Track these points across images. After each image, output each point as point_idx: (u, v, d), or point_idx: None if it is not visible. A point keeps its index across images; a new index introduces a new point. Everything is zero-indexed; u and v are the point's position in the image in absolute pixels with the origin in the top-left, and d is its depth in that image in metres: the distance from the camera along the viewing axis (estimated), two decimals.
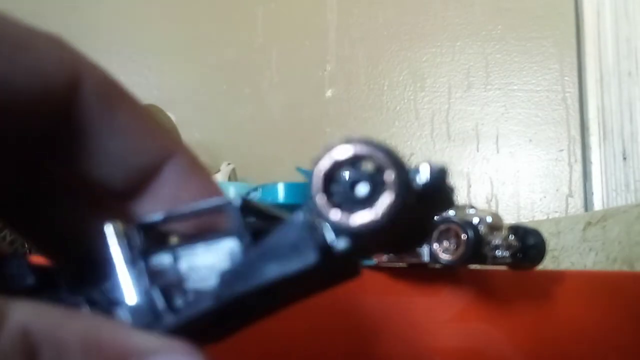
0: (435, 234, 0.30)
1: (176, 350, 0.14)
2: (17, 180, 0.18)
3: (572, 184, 0.91)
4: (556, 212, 0.90)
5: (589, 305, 0.32)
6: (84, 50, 0.17)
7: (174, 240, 0.17)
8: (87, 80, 0.17)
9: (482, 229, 0.30)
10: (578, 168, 0.91)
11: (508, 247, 0.31)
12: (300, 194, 0.43)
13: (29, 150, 0.17)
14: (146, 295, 0.16)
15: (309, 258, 0.14)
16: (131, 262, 0.16)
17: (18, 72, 0.15)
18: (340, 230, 0.14)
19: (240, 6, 0.97)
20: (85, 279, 0.17)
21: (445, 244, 0.30)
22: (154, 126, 0.18)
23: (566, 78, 0.94)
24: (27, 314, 0.13)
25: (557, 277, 0.33)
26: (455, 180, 0.91)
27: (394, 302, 0.31)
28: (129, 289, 0.16)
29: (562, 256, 0.63)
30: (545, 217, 0.89)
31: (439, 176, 0.15)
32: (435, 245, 0.30)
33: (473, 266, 0.32)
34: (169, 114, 0.76)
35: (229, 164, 0.82)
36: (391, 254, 0.31)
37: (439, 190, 0.15)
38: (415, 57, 0.96)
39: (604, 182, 0.88)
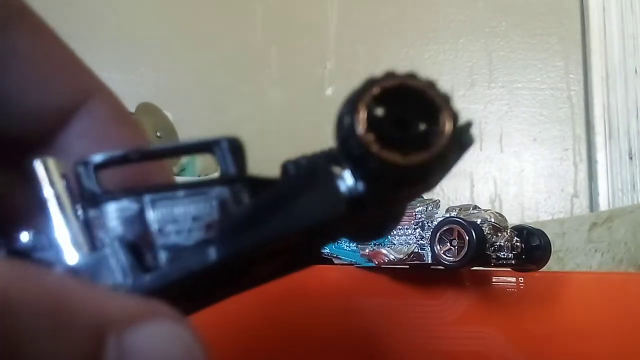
0: (437, 235, 0.29)
1: (164, 316, 0.11)
2: None
3: (578, 184, 0.90)
4: (561, 212, 0.90)
5: (594, 307, 0.32)
6: (80, 47, 0.14)
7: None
8: None
9: (485, 229, 0.29)
10: (583, 167, 0.90)
11: (512, 248, 0.30)
12: None
13: None
14: (101, 250, 0.12)
15: (334, 204, 0.12)
16: (75, 209, 0.12)
17: None
18: (383, 170, 0.12)
19: (239, 3, 0.96)
20: None
21: (448, 245, 0.29)
22: (66, 58, 0.14)
23: (571, 76, 0.93)
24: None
25: (562, 279, 0.32)
26: (458, 180, 0.90)
27: (395, 304, 0.31)
28: (73, 242, 0.12)
29: (567, 257, 0.62)
30: (549, 218, 0.88)
31: (468, 128, 0.13)
32: (438, 247, 0.29)
33: (476, 268, 0.31)
34: (167, 112, 0.76)
35: None
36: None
37: (465, 145, 0.13)
38: (417, 55, 0.95)
39: (610, 182, 0.87)
